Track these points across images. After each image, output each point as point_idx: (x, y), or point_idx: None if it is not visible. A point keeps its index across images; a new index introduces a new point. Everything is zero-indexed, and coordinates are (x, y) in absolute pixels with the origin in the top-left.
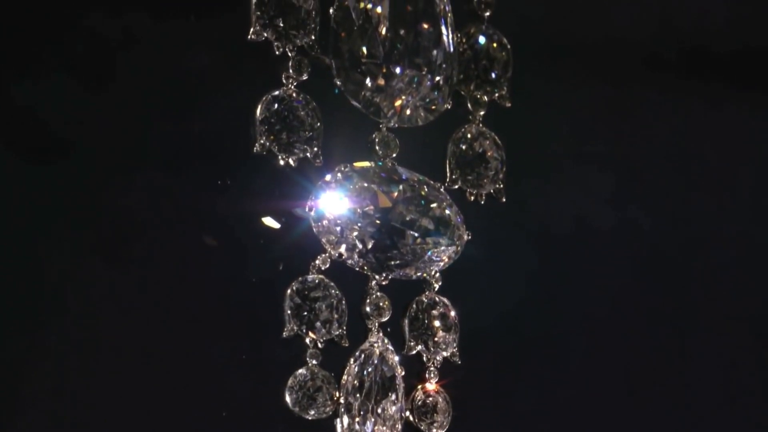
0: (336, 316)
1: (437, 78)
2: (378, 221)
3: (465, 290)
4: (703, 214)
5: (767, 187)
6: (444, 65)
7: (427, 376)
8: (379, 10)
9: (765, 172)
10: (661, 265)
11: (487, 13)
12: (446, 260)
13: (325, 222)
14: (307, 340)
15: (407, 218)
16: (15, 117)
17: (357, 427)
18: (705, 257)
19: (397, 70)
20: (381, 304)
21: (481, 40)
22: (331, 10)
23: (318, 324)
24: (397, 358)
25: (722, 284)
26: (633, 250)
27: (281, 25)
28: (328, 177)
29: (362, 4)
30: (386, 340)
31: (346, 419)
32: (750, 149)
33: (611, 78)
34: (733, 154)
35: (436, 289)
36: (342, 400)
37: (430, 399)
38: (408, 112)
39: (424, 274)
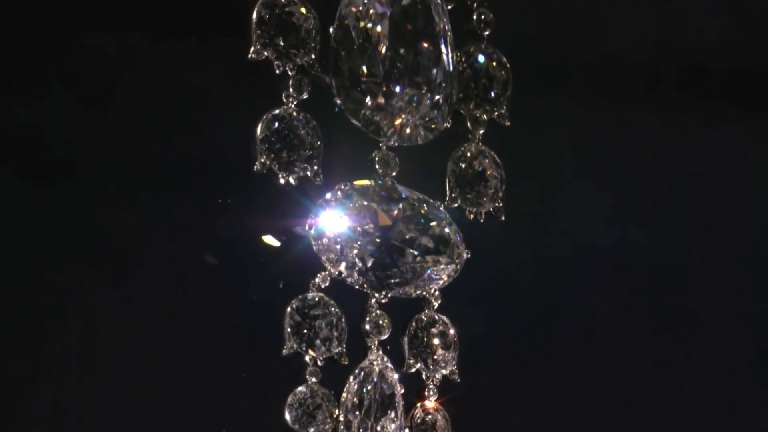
0: (336, 333)
1: (437, 97)
2: (378, 239)
3: (464, 308)
4: (701, 231)
5: (764, 204)
6: (444, 84)
7: (426, 393)
8: (379, 29)
9: (762, 189)
10: (659, 282)
11: (487, 32)
12: (446, 278)
13: (325, 240)
14: (307, 358)
15: (407, 237)
16: (17, 135)
17: None
18: (703, 274)
19: (397, 89)
20: (380, 322)
21: (481, 59)
22: (331, 29)
23: (318, 342)
24: (396, 376)
25: (721, 300)
26: (631, 267)
27: (281, 44)
28: (328, 195)
29: (362, 24)
30: (386, 358)
31: None
32: (747, 167)
33: (610, 96)
34: (731, 172)
35: (435, 308)
36: (341, 418)
37: (430, 417)
38: (408, 130)
39: (424, 293)
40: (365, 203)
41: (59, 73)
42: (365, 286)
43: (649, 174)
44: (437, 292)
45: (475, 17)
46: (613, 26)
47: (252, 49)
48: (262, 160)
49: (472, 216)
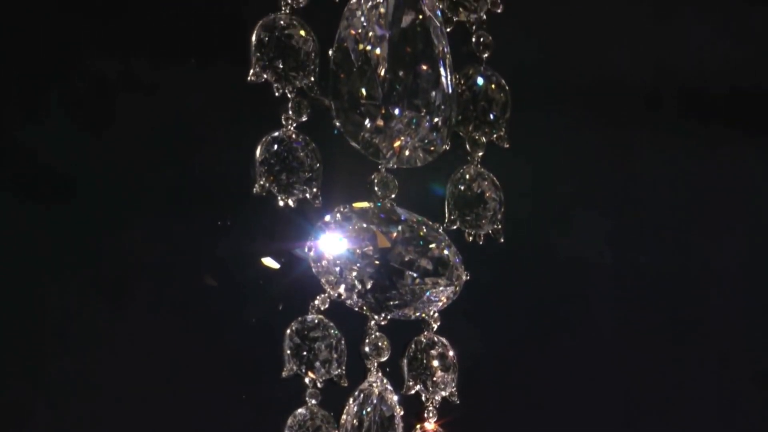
0: (335, 355)
1: (436, 119)
2: (377, 262)
3: (464, 330)
4: (700, 253)
5: (764, 228)
6: (443, 106)
7: (425, 415)
8: (378, 51)
9: (762, 212)
10: (658, 303)
11: (486, 55)
12: (445, 300)
13: (324, 262)
14: (307, 380)
15: (406, 259)
16: (17, 159)
17: None
18: (702, 295)
19: (396, 111)
20: (380, 343)
21: (480, 81)
22: (330, 52)
23: (317, 364)
24: (396, 398)
25: (720, 321)
26: (631, 288)
27: (281, 66)
28: (327, 217)
29: (361, 46)
30: (385, 380)
31: None
32: (746, 189)
33: (609, 118)
34: (731, 195)
35: (434, 329)
36: None
37: None
38: (407, 153)
39: (423, 315)
40: (364, 225)
41: (60, 95)
42: (364, 308)
43: (648, 196)
44: (436, 314)
45: (474, 40)
46: (613, 49)
47: (251, 71)
48: (262, 182)
49: (471, 238)
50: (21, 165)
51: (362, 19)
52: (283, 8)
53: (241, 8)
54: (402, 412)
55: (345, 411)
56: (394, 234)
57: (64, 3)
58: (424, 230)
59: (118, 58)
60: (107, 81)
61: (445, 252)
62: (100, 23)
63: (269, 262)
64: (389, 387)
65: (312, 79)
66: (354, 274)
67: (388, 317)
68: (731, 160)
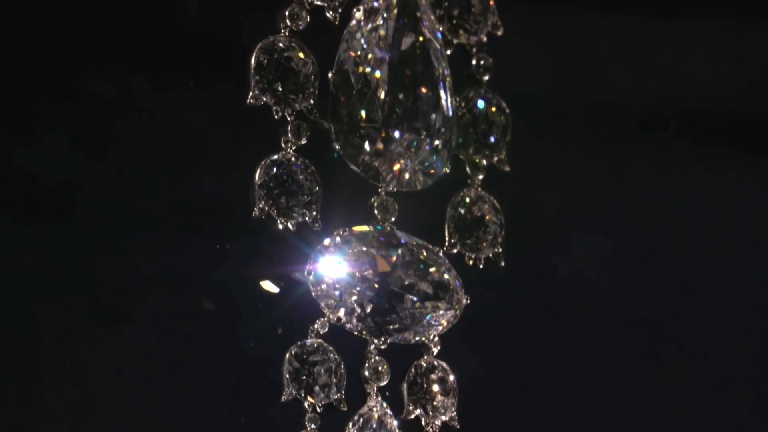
0: (335, 380)
1: (436, 142)
2: (377, 285)
3: (464, 354)
4: (701, 277)
5: (765, 251)
6: (443, 129)
7: None
8: (378, 74)
9: (763, 235)
10: (658, 327)
11: (486, 77)
12: (445, 324)
13: (323, 286)
14: (306, 405)
15: (406, 282)
16: (15, 180)
17: None
18: (703, 319)
19: (396, 134)
20: (380, 368)
21: (480, 104)
22: (329, 75)
23: (317, 388)
24: (395, 423)
25: (721, 345)
26: (631, 311)
27: (280, 89)
28: (326, 241)
29: (361, 69)
30: (385, 405)
31: None
32: (747, 212)
33: (609, 140)
34: (731, 217)
35: (434, 353)
36: None
37: None
38: (407, 176)
39: (423, 338)
40: (364, 249)
41: (59, 117)
42: (364, 332)
43: (648, 217)
44: (436, 338)
45: (474, 62)
46: (613, 70)
47: (251, 94)
48: (261, 205)
49: (471, 262)
50: (19, 186)
51: (362, 41)
52: (283, 31)
53: (241, 31)
54: None
55: None
56: (394, 257)
57: (63, 24)
58: (424, 254)
59: (117, 80)
60: (106, 102)
61: (446, 276)
62: (99, 45)
63: (268, 285)
64: (389, 411)
65: (311, 101)
66: (353, 297)
67: (388, 341)
68: (732, 182)
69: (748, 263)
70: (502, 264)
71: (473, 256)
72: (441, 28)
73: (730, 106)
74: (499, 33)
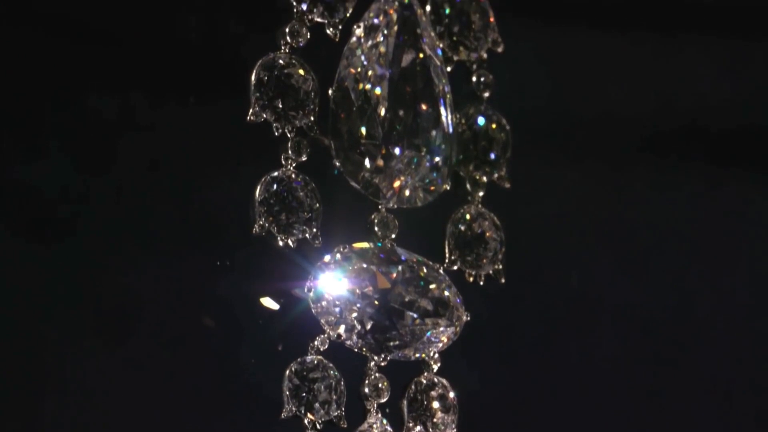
0: (335, 397)
1: (436, 159)
2: (377, 302)
3: (464, 370)
4: (701, 293)
5: (765, 265)
6: (443, 146)
7: None
8: (378, 91)
9: (763, 251)
10: (659, 342)
11: (486, 94)
12: (445, 341)
13: (324, 303)
14: (306, 421)
15: (406, 299)
16: (16, 195)
17: None
18: (703, 335)
19: (396, 150)
20: (380, 384)
21: (480, 120)
22: (330, 91)
23: (317, 405)
24: None
25: (721, 360)
26: (631, 328)
27: (280, 106)
28: (327, 258)
29: (361, 85)
30: (385, 421)
31: None
32: (748, 228)
33: (609, 156)
34: (732, 233)
35: (435, 370)
36: None
37: None
38: (407, 192)
39: (423, 355)
40: (364, 266)
41: (59, 134)
42: (364, 348)
43: (649, 234)
44: (437, 355)
45: (474, 79)
46: (614, 87)
47: (251, 111)
48: (261, 222)
49: (471, 278)
50: (19, 201)
51: (362, 58)
52: (283, 47)
53: (241, 47)
54: None
55: None
56: (394, 274)
57: (64, 40)
58: (425, 270)
59: (117, 96)
60: (106, 118)
61: (446, 292)
62: (99, 60)
63: (268, 302)
64: (389, 428)
65: (312, 118)
66: (354, 314)
67: (388, 358)
68: (732, 197)
69: (748, 277)
70: (503, 281)
71: (473, 273)
72: (441, 45)
73: (729, 122)
74: (500, 50)
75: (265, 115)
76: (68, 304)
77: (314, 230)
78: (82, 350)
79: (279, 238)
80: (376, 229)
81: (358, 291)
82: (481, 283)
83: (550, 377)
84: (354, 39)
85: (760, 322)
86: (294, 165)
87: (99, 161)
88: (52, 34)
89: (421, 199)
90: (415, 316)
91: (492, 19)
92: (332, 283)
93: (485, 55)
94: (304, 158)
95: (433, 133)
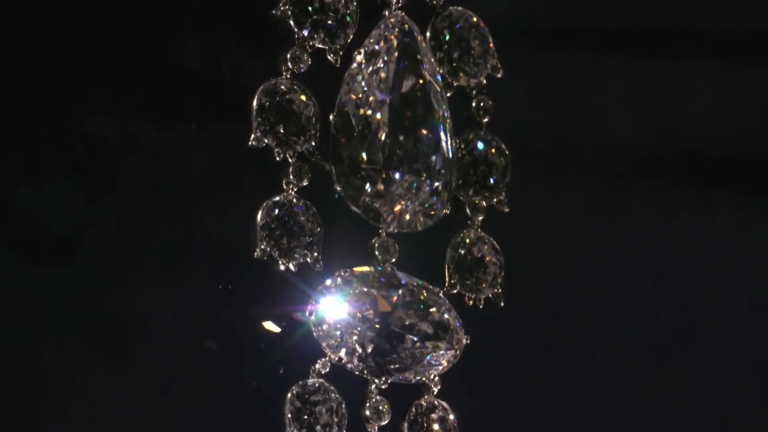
0: (336, 419)
1: (436, 183)
2: (377, 325)
3: (464, 393)
4: (700, 318)
5: (764, 292)
6: (443, 171)
7: None
8: (378, 116)
9: (761, 275)
10: (661, 366)
11: (486, 119)
12: (445, 364)
13: (325, 326)
14: None
15: (406, 322)
16: (19, 221)
17: None
18: (702, 360)
19: (397, 175)
20: (380, 407)
21: (480, 145)
22: (331, 117)
23: (318, 428)
24: None
25: (719, 385)
26: (630, 352)
27: (282, 131)
28: (328, 282)
29: (362, 111)
30: None
31: None
32: (745, 253)
33: (608, 180)
34: (729, 258)
35: (435, 393)
36: None
37: None
38: (407, 217)
39: (423, 378)
40: (365, 289)
41: (62, 158)
42: (365, 371)
43: (647, 258)
44: (437, 378)
45: (474, 104)
46: (613, 111)
47: (253, 136)
48: (263, 246)
49: (471, 302)
50: (21, 227)
51: (363, 83)
52: (284, 73)
53: (242, 73)
54: None
55: None
56: (395, 298)
57: (67, 67)
58: (425, 294)
59: (120, 122)
60: (109, 144)
61: (446, 316)
62: (102, 87)
63: (270, 325)
64: None
65: (313, 143)
66: (355, 337)
67: (389, 381)
68: (730, 223)
69: (746, 301)
70: (502, 304)
71: (473, 297)
72: (441, 71)
73: (727, 147)
74: (499, 75)
75: (266, 141)
76: (71, 327)
77: (315, 254)
78: (85, 373)
79: (280, 262)
80: (376, 253)
81: (358, 314)
82: (481, 306)
83: (549, 399)
84: (355, 65)
85: (759, 347)
86: (295, 190)
87: (102, 186)
88: (56, 61)
89: (421, 223)
90: (415, 339)
91: (491, 45)
92: (333, 307)
93: (484, 81)
94: (305, 183)
95: (433, 158)
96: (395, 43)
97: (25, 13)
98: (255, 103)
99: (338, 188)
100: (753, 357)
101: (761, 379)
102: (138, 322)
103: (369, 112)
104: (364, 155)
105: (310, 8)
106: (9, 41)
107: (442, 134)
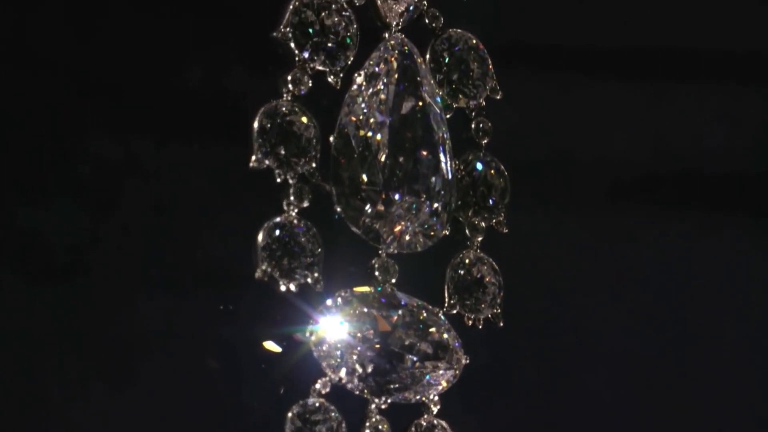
0: None
1: (436, 204)
2: (378, 345)
3: (463, 413)
4: (700, 339)
5: (763, 313)
6: (442, 192)
7: None
8: (378, 137)
9: (761, 296)
10: (660, 389)
11: (485, 141)
12: (445, 384)
13: (325, 346)
14: None
15: (406, 342)
16: (21, 241)
17: None
18: (703, 382)
19: (397, 196)
20: (380, 427)
21: (479, 167)
22: (331, 138)
23: None
24: None
25: (720, 406)
26: (630, 375)
27: (283, 152)
28: (328, 302)
29: (362, 132)
30: None
31: None
32: (744, 274)
33: (607, 201)
34: (729, 279)
35: (434, 413)
36: None
37: None
38: (407, 237)
39: (423, 398)
40: (365, 310)
41: (63, 178)
42: (365, 391)
43: (647, 279)
44: (436, 398)
45: (473, 126)
46: (611, 132)
47: (253, 158)
48: (264, 267)
49: (470, 322)
50: (23, 247)
51: (363, 105)
52: (285, 95)
53: (244, 95)
54: None
55: None
56: (395, 318)
57: (69, 89)
58: (424, 314)
59: (122, 142)
60: (111, 164)
61: (445, 336)
62: (105, 109)
63: (271, 345)
64: None
65: (313, 165)
66: (355, 357)
67: (389, 400)
68: (730, 244)
69: (744, 323)
70: (501, 324)
71: (472, 317)
72: (441, 93)
73: (726, 168)
74: (498, 97)
75: (267, 162)
76: (73, 347)
77: (316, 275)
78: (86, 392)
79: (281, 283)
80: (376, 273)
81: (359, 334)
82: (480, 326)
83: (549, 419)
84: (355, 87)
85: (757, 368)
86: (296, 211)
87: (104, 206)
88: (58, 82)
89: (421, 244)
90: (415, 359)
91: (491, 67)
92: (334, 327)
93: (484, 103)
94: (305, 204)
95: (433, 179)
96: (395, 65)
97: (26, 33)
98: (256, 124)
99: (338, 209)
100: (751, 377)
101: (760, 400)
102: (139, 342)
103: (369, 133)
104: (364, 176)
105: (310, 30)
106: (10, 61)
107: (441, 155)
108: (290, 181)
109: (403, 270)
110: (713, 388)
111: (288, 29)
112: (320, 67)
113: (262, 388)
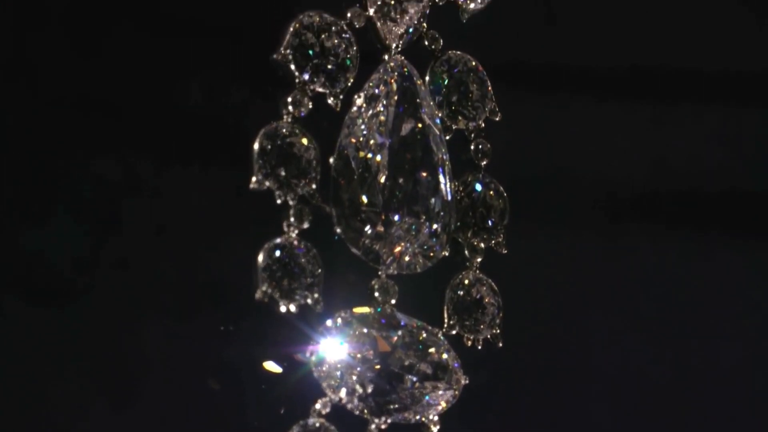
0: None
1: (435, 226)
2: (377, 366)
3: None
4: (697, 359)
5: (760, 331)
6: (442, 213)
7: None
8: (378, 159)
9: (757, 315)
10: (659, 408)
11: (484, 162)
12: (444, 404)
13: (325, 367)
14: None
15: (406, 363)
16: (24, 261)
17: None
18: (700, 401)
19: (396, 217)
20: None
21: (478, 188)
22: (331, 160)
23: None
24: None
25: (718, 424)
26: (629, 393)
27: (283, 174)
28: (328, 322)
29: (362, 154)
30: None
31: None
32: (743, 294)
33: (605, 221)
34: (727, 299)
35: None
36: None
37: None
38: (407, 258)
39: (423, 418)
40: (365, 330)
41: (65, 199)
42: (365, 411)
43: (644, 298)
44: (436, 418)
45: (472, 147)
46: (610, 153)
47: (254, 179)
48: (264, 288)
49: (470, 343)
50: (25, 268)
51: (363, 127)
52: (285, 117)
53: (244, 116)
54: None
55: None
56: (395, 339)
57: (69, 110)
58: (424, 335)
59: (122, 163)
60: (112, 185)
61: (444, 356)
62: (104, 127)
63: (271, 366)
64: None
65: (313, 186)
66: (355, 377)
67: (388, 420)
68: (728, 262)
69: (741, 340)
70: (500, 345)
71: (472, 337)
72: (440, 114)
73: (725, 187)
74: (497, 118)
75: (267, 183)
76: (75, 367)
77: (316, 296)
78: (88, 412)
79: (281, 304)
80: (376, 294)
81: (359, 355)
82: (480, 347)
83: None
84: (355, 108)
85: (756, 389)
86: (296, 232)
87: (106, 226)
88: (59, 103)
89: (420, 265)
90: (414, 379)
91: (490, 89)
92: (334, 348)
93: (483, 124)
94: (305, 225)
95: (432, 200)
96: (395, 86)
97: (27, 54)
98: (256, 146)
99: (338, 230)
100: (750, 398)
101: (759, 420)
102: (141, 362)
103: (369, 155)
104: (364, 198)
105: (310, 52)
106: (12, 80)
107: (441, 177)
108: (290, 203)
109: (403, 291)
110: (712, 406)
111: (288, 51)
112: (320, 89)
113: (262, 409)
